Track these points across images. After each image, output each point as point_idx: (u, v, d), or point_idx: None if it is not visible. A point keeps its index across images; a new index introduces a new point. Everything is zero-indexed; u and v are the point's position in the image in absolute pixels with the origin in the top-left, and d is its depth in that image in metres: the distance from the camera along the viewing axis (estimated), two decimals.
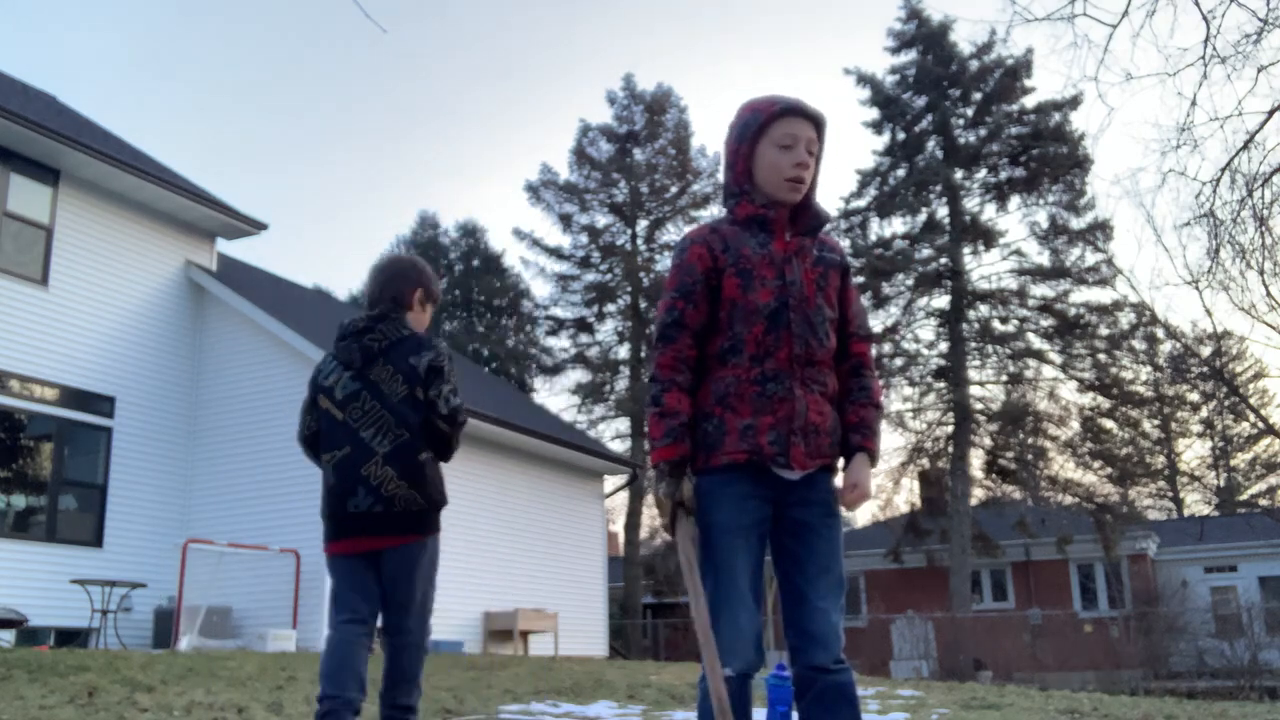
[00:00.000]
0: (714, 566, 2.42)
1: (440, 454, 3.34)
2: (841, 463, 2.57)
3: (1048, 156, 25.23)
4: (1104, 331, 25.32)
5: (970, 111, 26.48)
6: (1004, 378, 26.21)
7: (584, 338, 30.54)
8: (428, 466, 3.28)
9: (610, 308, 30.14)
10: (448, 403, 3.30)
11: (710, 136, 58.86)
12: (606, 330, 30.45)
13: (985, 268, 36.41)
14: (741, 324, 2.45)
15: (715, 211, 30.11)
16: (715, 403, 2.46)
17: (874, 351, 2.72)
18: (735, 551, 2.41)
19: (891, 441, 28.13)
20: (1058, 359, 25.84)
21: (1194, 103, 9.97)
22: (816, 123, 2.53)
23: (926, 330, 26.89)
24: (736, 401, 2.43)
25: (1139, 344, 25.60)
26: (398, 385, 3.29)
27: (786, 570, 2.47)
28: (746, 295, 2.45)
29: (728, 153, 2.59)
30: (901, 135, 26.92)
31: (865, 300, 24.78)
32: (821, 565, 2.46)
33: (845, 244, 25.61)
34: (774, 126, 2.50)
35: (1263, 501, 32.74)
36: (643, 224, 30.25)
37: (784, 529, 2.48)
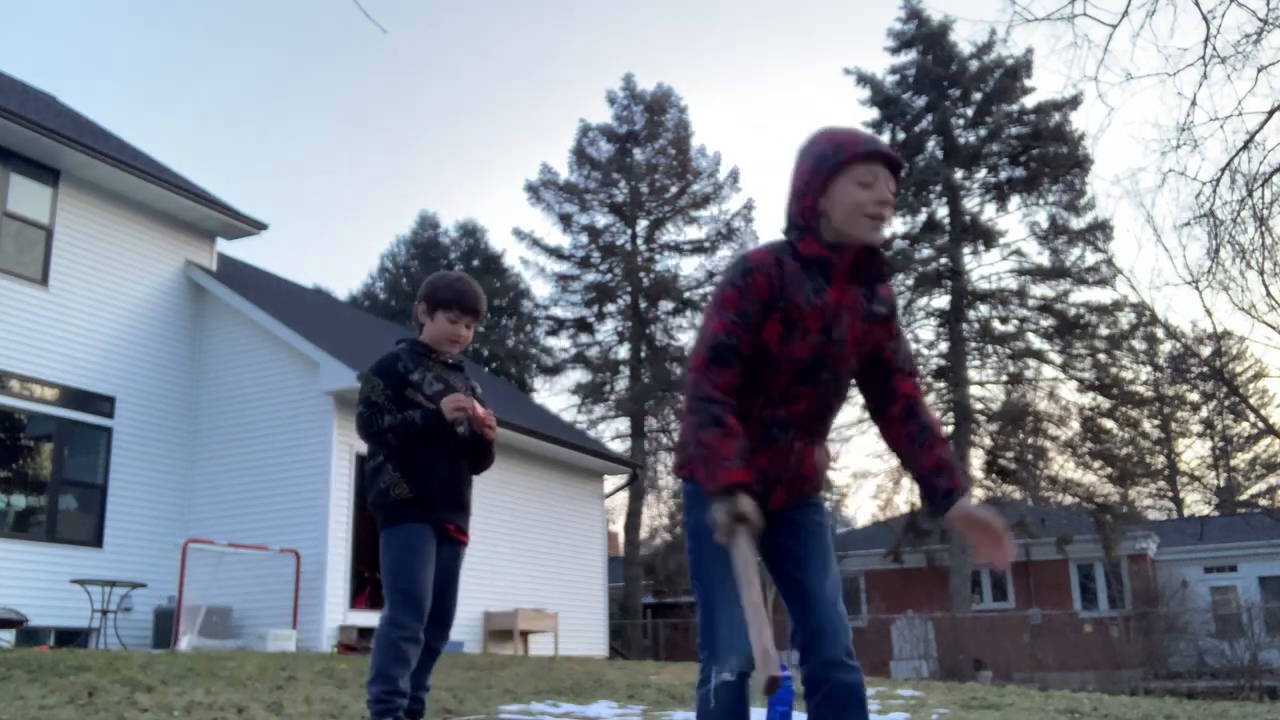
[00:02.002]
0: (710, 565, 2.39)
1: (386, 457, 3.52)
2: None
3: (1048, 156, 25.24)
4: (1104, 331, 25.34)
5: (970, 111, 26.49)
6: (1004, 378, 26.23)
7: (584, 338, 30.54)
8: (369, 472, 3.57)
9: (610, 308, 30.13)
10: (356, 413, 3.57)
11: (710, 136, 58.89)
12: (606, 330, 30.46)
13: (985, 268, 36.34)
14: (770, 369, 2.39)
15: (715, 212, 30.17)
16: None
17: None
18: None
19: None
20: (1058, 359, 25.87)
21: (1194, 103, 9.98)
22: (895, 169, 2.41)
23: (926, 330, 26.91)
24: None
25: (1139, 344, 25.63)
26: None
27: (788, 571, 2.46)
28: (783, 346, 2.37)
29: (797, 181, 2.43)
30: (901, 135, 26.93)
31: None
32: (822, 561, 2.46)
33: None
34: (856, 166, 2.37)
35: (1263, 501, 32.76)
36: (643, 224, 30.25)
37: (781, 529, 2.47)
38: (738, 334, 2.33)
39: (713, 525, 2.27)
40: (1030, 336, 25.92)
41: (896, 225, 26.51)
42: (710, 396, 2.30)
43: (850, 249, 2.39)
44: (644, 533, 29.86)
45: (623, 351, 29.98)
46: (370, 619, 12.09)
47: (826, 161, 2.37)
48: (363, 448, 3.66)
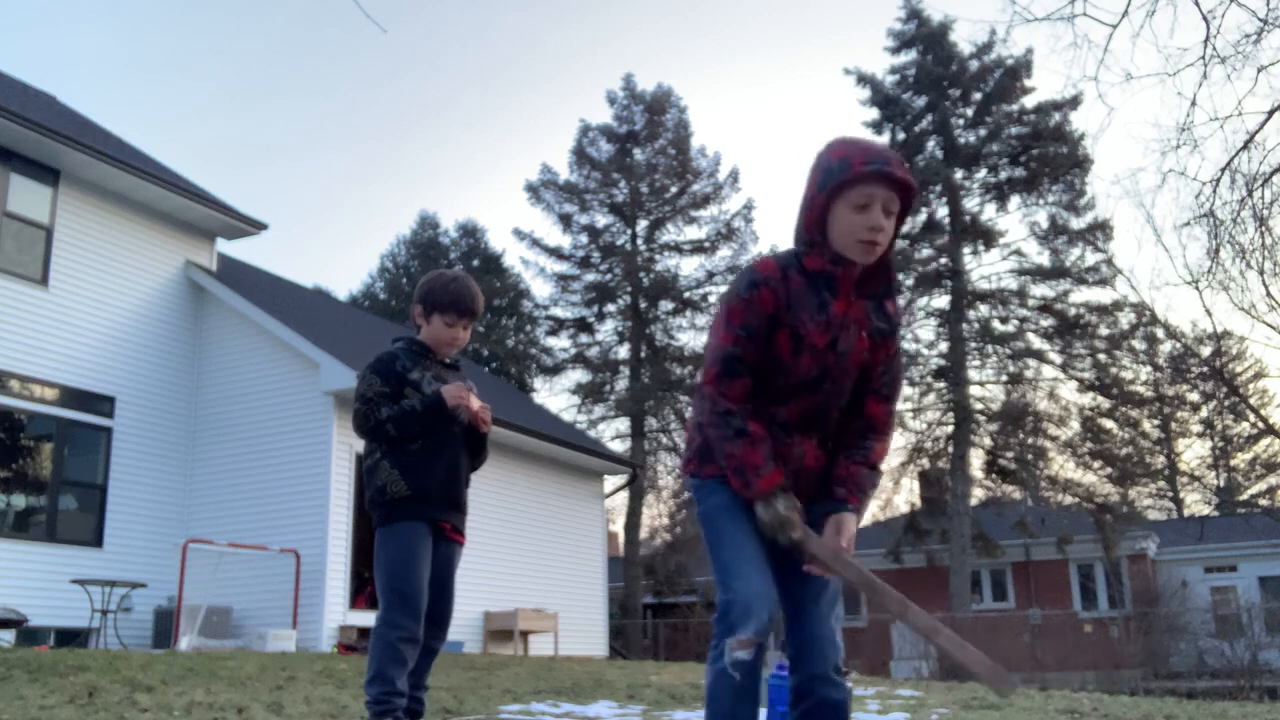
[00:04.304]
0: (720, 538, 2.39)
1: (382, 455, 3.50)
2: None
3: (1048, 156, 25.24)
4: (1104, 331, 25.34)
5: (970, 111, 26.48)
6: (1004, 378, 26.22)
7: (584, 338, 30.53)
8: (365, 470, 3.55)
9: (610, 308, 30.12)
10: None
11: (710, 136, 58.89)
12: (606, 330, 30.46)
13: (985, 268, 36.39)
14: (777, 375, 2.41)
15: (715, 212, 30.16)
16: None
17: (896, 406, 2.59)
18: (739, 522, 2.38)
19: (892, 441, 28.13)
20: (1058, 359, 25.87)
21: (1194, 103, 9.97)
22: (903, 187, 2.36)
23: (926, 330, 26.86)
24: None
25: (1139, 344, 25.64)
26: None
27: (786, 582, 2.43)
28: (793, 357, 2.38)
29: (806, 192, 2.41)
30: (901, 135, 26.91)
31: None
32: (823, 576, 2.44)
33: None
34: (858, 186, 2.31)
35: (1263, 501, 32.80)
36: (643, 224, 30.25)
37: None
38: (743, 345, 2.35)
39: (765, 529, 2.32)
40: (1030, 336, 25.92)
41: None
42: (729, 410, 2.34)
43: (854, 263, 2.38)
44: (644, 533, 29.85)
45: (623, 351, 29.97)
46: (370, 619, 12.08)
47: (832, 178, 2.33)
48: (363, 447, 3.62)
